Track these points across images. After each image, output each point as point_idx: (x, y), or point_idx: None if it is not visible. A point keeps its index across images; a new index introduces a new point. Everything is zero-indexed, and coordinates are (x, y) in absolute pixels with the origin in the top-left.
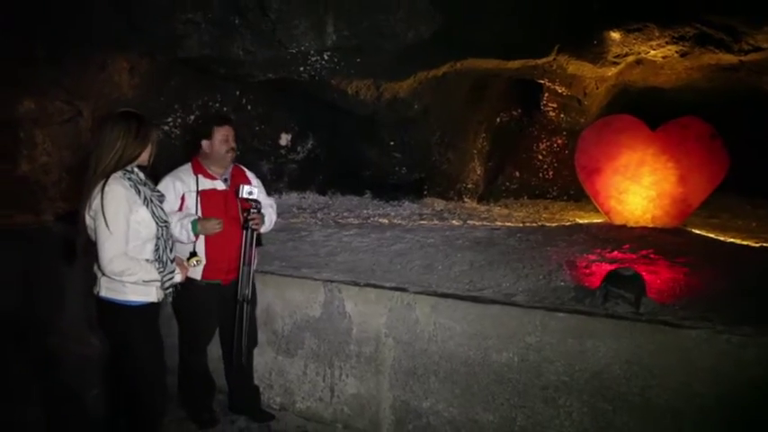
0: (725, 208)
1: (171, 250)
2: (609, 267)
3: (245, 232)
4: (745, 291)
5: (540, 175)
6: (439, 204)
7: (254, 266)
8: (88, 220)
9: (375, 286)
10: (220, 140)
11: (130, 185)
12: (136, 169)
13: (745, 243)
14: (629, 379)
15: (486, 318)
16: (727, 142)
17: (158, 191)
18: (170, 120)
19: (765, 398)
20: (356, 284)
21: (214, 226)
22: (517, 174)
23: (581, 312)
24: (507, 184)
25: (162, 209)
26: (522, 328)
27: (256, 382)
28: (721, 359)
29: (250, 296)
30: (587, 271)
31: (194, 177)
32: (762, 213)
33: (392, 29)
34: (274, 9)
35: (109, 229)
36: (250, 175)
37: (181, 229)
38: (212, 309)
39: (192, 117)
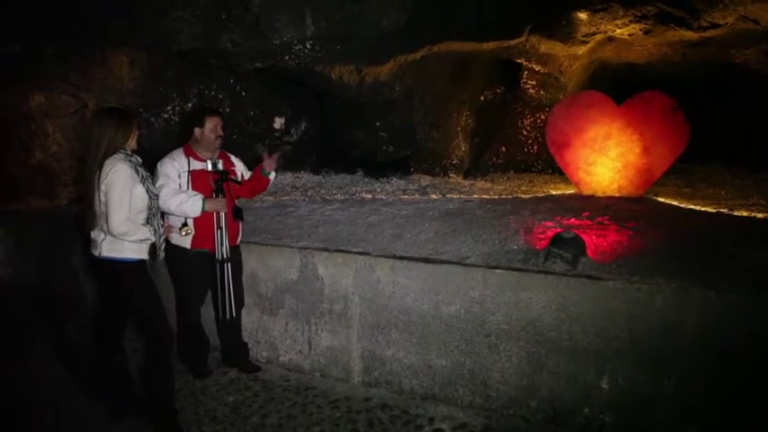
0: (705, 178)
1: (159, 217)
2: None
3: (218, 195)
4: (679, 250)
5: (525, 149)
6: (425, 180)
7: (239, 239)
8: (101, 197)
9: (342, 251)
10: (210, 128)
11: (131, 167)
12: (135, 155)
13: (703, 209)
14: (558, 325)
15: (437, 276)
16: (704, 114)
17: (148, 172)
18: (169, 108)
19: (671, 337)
20: (327, 250)
21: (220, 205)
22: (503, 149)
23: (516, 269)
24: (494, 159)
25: (153, 185)
26: (466, 283)
27: (245, 339)
28: (633, 306)
29: (227, 255)
30: (541, 236)
31: (186, 159)
32: (738, 183)
33: (366, 18)
34: (256, 4)
35: (118, 200)
36: (234, 159)
37: (192, 204)
38: (201, 273)
39: (190, 105)
